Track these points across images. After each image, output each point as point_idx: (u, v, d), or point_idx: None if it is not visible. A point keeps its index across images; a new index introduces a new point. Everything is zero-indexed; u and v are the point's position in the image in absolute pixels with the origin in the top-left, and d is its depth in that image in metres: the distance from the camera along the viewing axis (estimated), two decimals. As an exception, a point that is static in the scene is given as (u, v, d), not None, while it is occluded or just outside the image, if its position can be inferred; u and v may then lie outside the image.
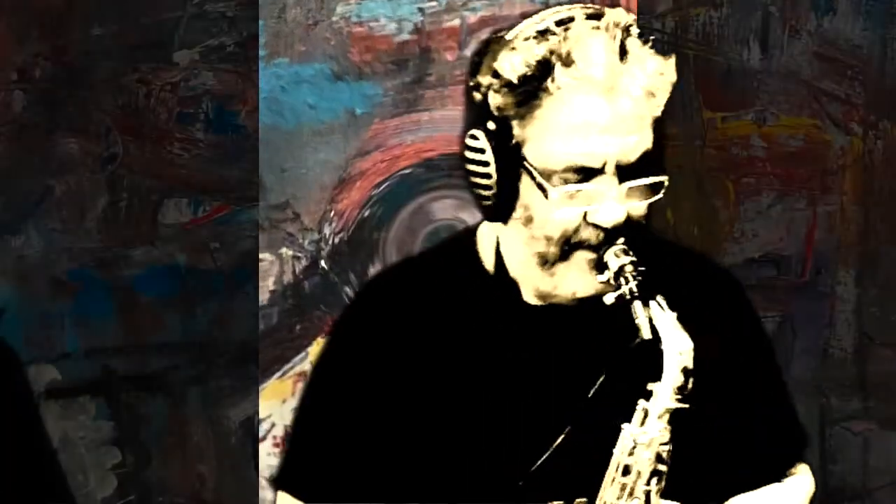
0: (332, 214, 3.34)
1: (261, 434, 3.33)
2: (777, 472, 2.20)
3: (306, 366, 3.31)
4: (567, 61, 2.04)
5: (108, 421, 3.34)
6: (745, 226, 3.38)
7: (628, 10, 3.32)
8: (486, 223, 2.20)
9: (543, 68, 2.05)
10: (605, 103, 2.04)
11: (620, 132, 2.04)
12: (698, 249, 2.44)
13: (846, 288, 3.40)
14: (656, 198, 2.09)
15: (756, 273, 3.37)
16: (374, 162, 3.33)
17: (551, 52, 2.05)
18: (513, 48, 2.07)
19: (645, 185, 2.07)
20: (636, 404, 2.04)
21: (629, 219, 2.06)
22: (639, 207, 2.08)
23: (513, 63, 2.06)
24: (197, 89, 3.33)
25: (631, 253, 2.05)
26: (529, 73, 2.05)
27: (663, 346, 2.02)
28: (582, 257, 2.08)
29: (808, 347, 3.39)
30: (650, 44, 2.09)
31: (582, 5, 2.12)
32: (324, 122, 3.32)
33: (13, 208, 3.32)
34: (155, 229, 3.34)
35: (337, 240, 3.34)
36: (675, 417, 2.03)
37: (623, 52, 2.05)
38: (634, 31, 2.09)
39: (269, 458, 3.33)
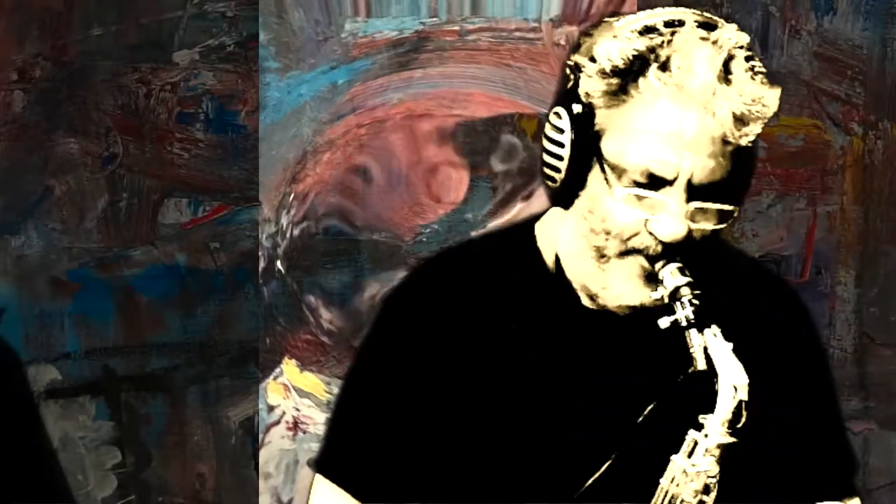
0: (290, 199, 3.33)
1: (272, 420, 3.33)
2: (830, 496, 2.16)
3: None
4: (664, 64, 2.01)
5: (108, 421, 3.34)
6: (745, 226, 3.38)
7: (629, 9, 3.32)
8: (547, 217, 2.17)
9: (639, 64, 2.02)
10: (693, 118, 1.99)
11: (700, 151, 1.99)
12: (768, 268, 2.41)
13: (846, 288, 3.40)
14: (720, 226, 2.04)
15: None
16: (347, 128, 3.32)
17: (650, 51, 2.02)
18: (614, 36, 2.04)
19: (712, 209, 2.02)
20: (685, 433, 2.01)
21: (691, 238, 2.02)
22: (702, 229, 2.03)
23: (610, 51, 2.02)
24: (197, 89, 3.33)
25: (688, 274, 2.00)
26: (623, 66, 2.02)
27: (718, 380, 1.98)
28: (636, 262, 2.04)
29: (808, 347, 3.39)
30: (758, 70, 2.06)
31: (696, 12, 2.09)
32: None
33: (13, 208, 3.31)
34: (155, 229, 3.34)
35: (296, 232, 3.32)
36: (725, 447, 2.00)
37: (726, 72, 2.02)
38: (744, 53, 2.06)
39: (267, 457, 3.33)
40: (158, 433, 3.35)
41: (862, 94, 3.38)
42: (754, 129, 2.05)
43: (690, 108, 2.00)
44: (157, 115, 3.33)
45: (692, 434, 2.01)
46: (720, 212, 2.04)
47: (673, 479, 2.02)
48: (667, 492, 2.03)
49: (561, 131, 2.06)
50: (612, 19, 2.08)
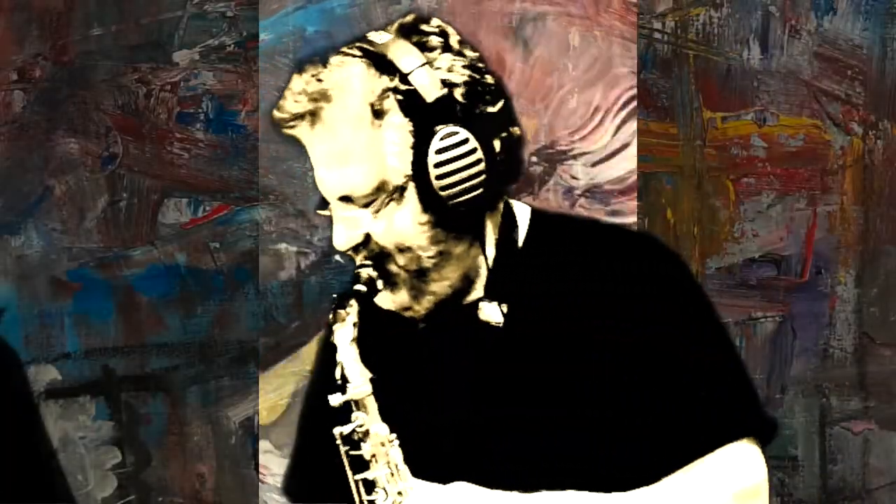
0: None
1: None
2: (711, 444, 2.15)
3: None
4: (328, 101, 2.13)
5: (108, 421, 3.34)
6: (745, 226, 3.38)
7: (629, 9, 3.33)
8: None
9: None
10: (306, 137, 2.15)
11: (324, 165, 2.14)
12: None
13: (846, 288, 3.40)
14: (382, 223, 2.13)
15: (756, 273, 3.37)
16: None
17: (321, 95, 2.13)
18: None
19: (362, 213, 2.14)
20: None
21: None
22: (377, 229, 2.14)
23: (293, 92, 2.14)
24: (197, 89, 3.33)
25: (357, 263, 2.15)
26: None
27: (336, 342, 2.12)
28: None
29: (808, 347, 3.39)
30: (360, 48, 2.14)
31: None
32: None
33: (13, 208, 3.31)
34: (155, 229, 3.34)
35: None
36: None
37: (322, 89, 2.12)
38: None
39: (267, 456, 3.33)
40: (158, 433, 3.35)
41: (862, 94, 3.38)
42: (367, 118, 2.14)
43: (301, 131, 2.17)
44: (157, 115, 3.33)
45: (333, 398, 2.12)
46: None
47: (344, 443, 2.12)
48: (350, 457, 2.12)
49: None
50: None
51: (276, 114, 2.15)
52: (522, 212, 2.23)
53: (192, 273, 3.35)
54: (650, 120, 3.34)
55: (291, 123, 2.13)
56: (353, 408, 2.10)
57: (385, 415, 2.12)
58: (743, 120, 3.38)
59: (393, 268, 2.14)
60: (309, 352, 3.34)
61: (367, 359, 2.12)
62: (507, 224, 2.19)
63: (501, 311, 2.15)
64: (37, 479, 2.33)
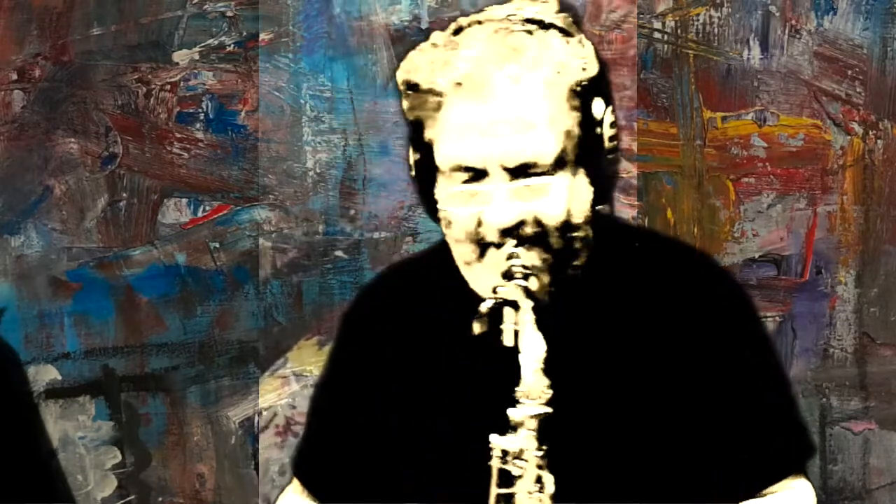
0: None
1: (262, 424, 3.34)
2: (771, 481, 2.14)
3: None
4: (450, 65, 2.06)
5: (107, 421, 3.34)
6: (745, 226, 3.38)
7: (629, 8, 3.33)
8: None
9: (432, 71, 2.07)
10: (484, 105, 2.04)
11: (500, 134, 2.04)
12: (698, 247, 2.42)
13: (846, 288, 3.40)
14: (548, 199, 2.06)
15: (756, 273, 3.37)
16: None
17: (441, 61, 2.07)
18: (420, 49, 2.11)
19: (538, 185, 2.06)
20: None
21: (540, 224, 2.05)
22: (537, 211, 2.06)
23: (417, 67, 2.09)
24: (197, 89, 3.33)
25: (519, 255, 2.04)
26: (428, 80, 2.07)
27: (521, 353, 2.00)
28: (492, 259, 2.07)
29: (808, 347, 3.39)
30: (541, 29, 2.08)
31: (474, 17, 2.13)
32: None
33: (13, 208, 3.31)
34: (155, 229, 3.34)
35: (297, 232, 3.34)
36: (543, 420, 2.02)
37: (504, 50, 2.05)
38: (518, 20, 2.09)
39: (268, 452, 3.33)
40: (158, 433, 3.35)
41: (862, 94, 3.38)
42: (562, 87, 2.07)
43: (480, 96, 2.04)
44: (156, 115, 3.33)
45: (509, 412, 2.02)
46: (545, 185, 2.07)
47: (500, 456, 2.02)
48: (499, 470, 2.03)
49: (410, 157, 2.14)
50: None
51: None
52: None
53: (192, 273, 3.35)
54: (650, 120, 3.34)
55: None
56: (520, 423, 2.03)
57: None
58: (743, 120, 3.38)
59: (540, 253, 2.08)
60: (309, 352, 3.34)
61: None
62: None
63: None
64: (37, 479, 2.33)
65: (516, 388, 2.01)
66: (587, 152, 2.09)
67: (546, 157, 2.05)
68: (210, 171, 3.34)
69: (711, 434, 2.10)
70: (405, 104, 2.11)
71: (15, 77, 3.30)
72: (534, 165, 2.05)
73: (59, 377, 3.32)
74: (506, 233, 2.05)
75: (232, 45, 3.33)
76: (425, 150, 2.10)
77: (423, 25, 3.31)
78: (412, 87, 2.09)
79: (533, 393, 2.00)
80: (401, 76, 2.11)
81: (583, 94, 2.09)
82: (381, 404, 2.19)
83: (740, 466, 2.12)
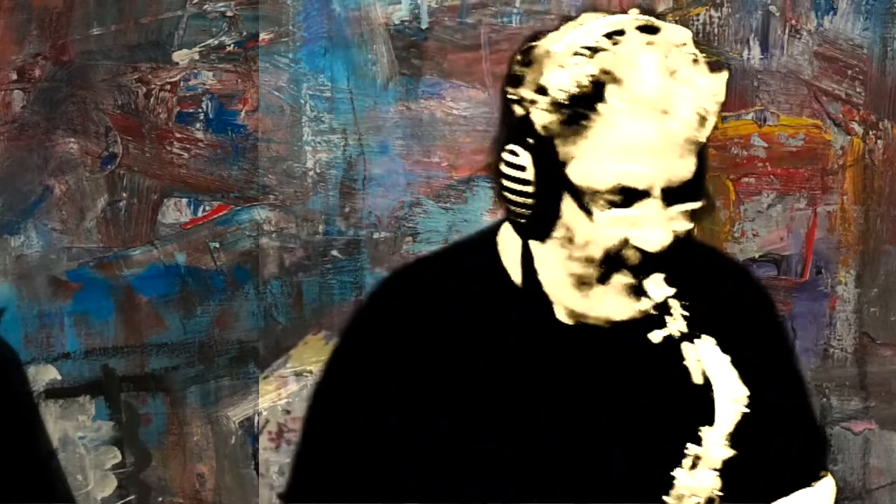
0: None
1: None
2: (806, 479, 2.16)
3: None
4: (618, 81, 1.96)
5: (107, 421, 3.33)
6: (745, 226, 3.38)
7: (628, 8, 3.32)
8: (506, 229, 2.13)
9: (594, 89, 1.96)
10: (655, 125, 1.96)
11: (668, 156, 1.97)
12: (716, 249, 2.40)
13: (846, 288, 3.40)
14: (691, 225, 2.03)
15: (756, 273, 3.37)
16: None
17: (603, 72, 1.96)
18: (560, 65, 1.98)
19: (688, 209, 2.02)
20: (683, 447, 1.99)
21: (672, 242, 2.01)
22: (681, 232, 2.02)
23: (561, 81, 1.97)
24: (197, 89, 3.33)
25: (670, 282, 1.99)
26: (579, 94, 1.96)
27: (716, 393, 1.96)
28: (620, 281, 2.01)
29: (808, 347, 3.39)
30: (702, 60, 2.00)
31: (634, 17, 2.03)
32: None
33: (13, 208, 3.31)
34: (155, 229, 3.34)
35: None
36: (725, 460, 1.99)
37: (676, 71, 1.97)
38: (689, 48, 2.01)
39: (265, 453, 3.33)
40: (158, 433, 3.35)
41: (862, 94, 3.38)
42: (712, 121, 2.02)
43: (653, 116, 1.96)
44: (156, 115, 3.33)
45: (693, 448, 1.99)
46: (692, 210, 2.04)
47: (679, 496, 2.00)
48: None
49: (522, 168, 2.02)
50: (545, 44, 2.03)
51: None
52: None
53: (192, 273, 3.34)
54: (650, 120, 3.34)
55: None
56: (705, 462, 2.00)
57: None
58: (743, 120, 3.38)
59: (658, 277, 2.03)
60: (309, 352, 3.34)
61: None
62: None
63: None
64: (37, 479, 2.33)
65: (706, 426, 1.97)
66: None
67: (700, 181, 2.02)
68: (210, 171, 3.34)
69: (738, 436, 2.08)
70: (542, 119, 2.00)
71: (15, 77, 3.29)
72: (692, 189, 2.01)
73: (59, 377, 3.32)
74: (650, 256, 2.00)
75: (232, 45, 3.33)
76: (552, 164, 2.00)
77: (424, 25, 3.31)
78: (559, 105, 1.98)
79: (724, 435, 1.97)
80: (547, 84, 1.99)
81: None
82: (395, 418, 2.13)
83: (773, 470, 2.12)
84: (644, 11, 3.32)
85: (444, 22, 3.32)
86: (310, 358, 3.33)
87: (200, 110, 3.33)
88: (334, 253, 3.33)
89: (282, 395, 3.34)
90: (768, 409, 2.10)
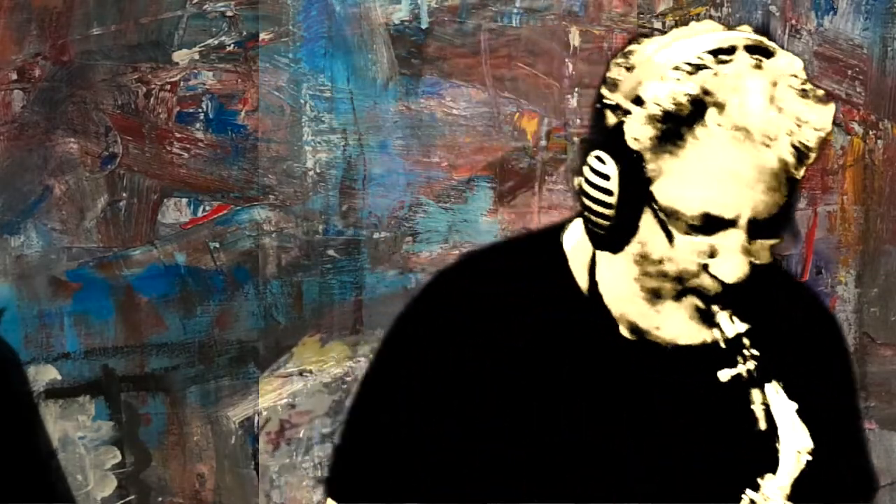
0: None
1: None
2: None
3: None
4: (720, 106, 1.88)
5: (107, 421, 3.33)
6: (746, 226, 3.38)
7: (628, 8, 3.32)
8: (580, 242, 2.07)
9: (694, 108, 1.89)
10: (753, 156, 1.88)
11: (761, 188, 1.89)
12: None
13: (846, 288, 3.40)
14: (771, 260, 1.97)
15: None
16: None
17: (705, 92, 1.89)
18: (662, 77, 1.90)
19: (769, 243, 1.95)
20: (740, 489, 1.96)
21: (749, 275, 1.94)
22: (761, 264, 1.95)
23: (660, 96, 1.89)
24: (197, 89, 3.33)
25: (740, 320, 1.93)
26: (676, 111, 1.89)
27: (781, 442, 1.92)
28: (691, 303, 1.96)
29: (809, 347, 3.39)
30: (811, 93, 1.92)
31: (745, 35, 1.95)
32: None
33: (13, 208, 3.31)
34: (155, 229, 3.34)
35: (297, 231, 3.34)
36: None
37: (782, 102, 1.90)
38: (800, 78, 1.92)
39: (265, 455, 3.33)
40: (158, 433, 3.35)
41: (862, 94, 3.38)
42: (812, 157, 1.94)
43: (751, 145, 1.89)
44: (156, 115, 3.33)
45: (750, 494, 1.95)
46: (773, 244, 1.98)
47: None
48: None
49: (606, 177, 1.94)
50: (647, 50, 1.96)
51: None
52: None
53: (192, 273, 3.34)
54: (650, 120, 3.34)
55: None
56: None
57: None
58: (743, 120, 3.37)
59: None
60: (309, 352, 3.34)
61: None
62: None
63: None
64: (36, 479, 2.33)
65: (768, 475, 1.94)
66: None
67: (789, 216, 1.96)
68: (210, 171, 3.34)
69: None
70: (635, 131, 1.92)
71: (15, 77, 3.29)
72: (779, 223, 1.95)
73: (59, 377, 3.32)
74: (727, 286, 1.93)
75: (232, 45, 3.33)
76: (638, 179, 1.92)
77: (423, 25, 3.31)
78: (655, 119, 1.91)
79: (787, 486, 1.94)
80: (644, 96, 1.91)
81: None
82: (443, 417, 2.07)
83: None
84: (644, 11, 3.34)
85: (444, 22, 3.32)
86: (310, 358, 3.33)
87: (200, 110, 3.33)
88: (334, 253, 3.33)
89: (282, 394, 3.34)
90: (828, 460, 2.06)
